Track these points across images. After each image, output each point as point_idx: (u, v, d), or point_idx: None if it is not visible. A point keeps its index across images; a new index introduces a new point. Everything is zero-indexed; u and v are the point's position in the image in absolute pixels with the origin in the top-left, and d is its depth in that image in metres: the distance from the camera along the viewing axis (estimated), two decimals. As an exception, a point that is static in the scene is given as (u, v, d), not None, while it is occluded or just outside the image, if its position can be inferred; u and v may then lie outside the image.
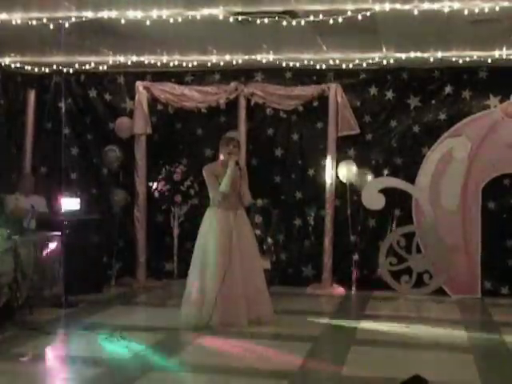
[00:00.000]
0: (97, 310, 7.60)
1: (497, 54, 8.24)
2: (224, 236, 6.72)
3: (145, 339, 6.28)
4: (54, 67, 9.41)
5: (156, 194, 9.16)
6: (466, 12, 6.44)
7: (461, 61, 8.49)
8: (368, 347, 6.27)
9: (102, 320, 7.15)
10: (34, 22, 6.95)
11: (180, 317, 6.82)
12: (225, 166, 6.84)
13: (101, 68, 9.30)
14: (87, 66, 9.29)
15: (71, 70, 9.48)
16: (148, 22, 6.90)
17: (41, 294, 7.41)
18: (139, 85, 9.42)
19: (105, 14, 6.82)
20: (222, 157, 6.95)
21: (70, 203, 8.81)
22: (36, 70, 9.52)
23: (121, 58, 8.97)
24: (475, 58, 8.38)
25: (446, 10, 6.40)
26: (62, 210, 8.65)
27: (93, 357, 5.75)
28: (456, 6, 6.35)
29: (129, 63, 9.08)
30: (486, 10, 6.38)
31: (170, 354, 5.85)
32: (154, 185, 9.14)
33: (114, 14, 6.83)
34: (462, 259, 8.76)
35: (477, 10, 6.38)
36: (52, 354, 5.91)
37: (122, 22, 6.92)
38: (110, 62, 9.09)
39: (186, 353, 5.99)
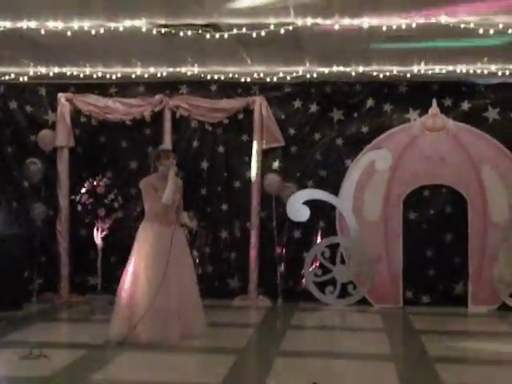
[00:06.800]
0: (16, 327, 7.37)
1: (415, 69, 8.49)
2: (160, 252, 6.55)
3: (67, 356, 6.14)
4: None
5: (79, 208, 8.98)
6: (384, 28, 6.62)
7: (381, 75, 8.71)
8: (293, 358, 6.31)
9: (22, 337, 6.93)
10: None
11: (109, 331, 6.68)
12: (164, 179, 6.73)
13: (21, 79, 9.09)
14: (7, 77, 9.06)
15: (-11, 81, 9.25)
16: (69, 33, 6.81)
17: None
18: (61, 96, 9.26)
19: (24, 25, 6.68)
20: (160, 169, 6.82)
21: (-12, 217, 8.57)
22: (-47, 80, 9.25)
23: (42, 69, 8.80)
24: (395, 72, 8.63)
25: (366, 26, 6.57)
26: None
27: (11, 376, 5.57)
28: (374, 22, 6.53)
29: (50, 74, 8.91)
30: (404, 27, 6.57)
31: (93, 370, 5.72)
32: (77, 198, 8.97)
33: (33, 24, 6.70)
34: (385, 269, 8.96)
35: (394, 27, 6.57)
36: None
37: (42, 32, 6.79)
38: (31, 73, 8.90)
39: (108, 369, 5.86)
